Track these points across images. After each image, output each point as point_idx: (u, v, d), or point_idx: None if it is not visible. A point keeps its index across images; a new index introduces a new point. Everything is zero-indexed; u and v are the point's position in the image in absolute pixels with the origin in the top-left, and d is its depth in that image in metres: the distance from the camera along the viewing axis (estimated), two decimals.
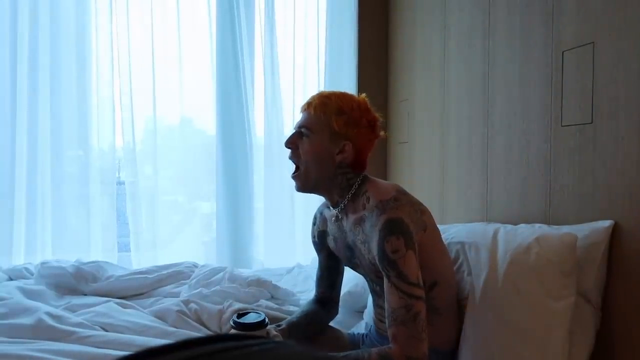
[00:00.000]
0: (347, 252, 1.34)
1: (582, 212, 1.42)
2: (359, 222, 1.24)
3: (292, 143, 1.27)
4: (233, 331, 1.21)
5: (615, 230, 1.31)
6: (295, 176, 1.30)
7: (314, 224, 1.50)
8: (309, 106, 1.27)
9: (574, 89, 1.45)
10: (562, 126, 1.50)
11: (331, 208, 1.35)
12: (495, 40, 1.81)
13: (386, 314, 1.16)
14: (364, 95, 1.32)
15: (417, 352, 1.11)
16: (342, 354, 1.14)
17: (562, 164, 1.49)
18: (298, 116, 1.33)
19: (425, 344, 1.13)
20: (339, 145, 1.24)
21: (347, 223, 1.30)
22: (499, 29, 1.79)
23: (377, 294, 1.37)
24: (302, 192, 1.33)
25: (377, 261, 1.17)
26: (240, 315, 1.22)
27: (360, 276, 1.65)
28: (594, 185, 1.38)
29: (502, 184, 1.77)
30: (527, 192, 1.64)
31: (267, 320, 1.21)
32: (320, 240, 1.47)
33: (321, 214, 1.47)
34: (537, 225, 1.49)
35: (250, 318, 1.21)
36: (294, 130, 1.30)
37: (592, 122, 1.39)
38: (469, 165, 1.96)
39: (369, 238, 1.20)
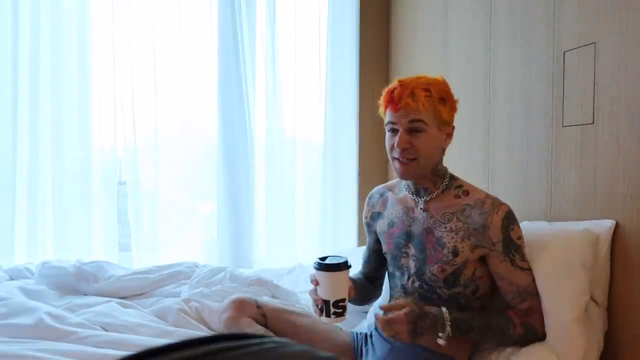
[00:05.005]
0: (401, 239, 1.33)
1: (583, 213, 1.42)
2: (456, 212, 1.26)
3: (408, 142, 1.22)
4: (315, 272, 1.20)
5: (616, 230, 1.31)
6: (409, 166, 1.24)
7: (368, 203, 1.47)
8: (413, 99, 1.19)
9: (575, 89, 1.45)
10: (563, 126, 1.50)
11: (411, 194, 1.34)
12: (497, 40, 1.80)
13: (516, 294, 1.25)
14: (440, 75, 1.28)
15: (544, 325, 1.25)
16: (479, 317, 1.22)
17: (564, 164, 1.49)
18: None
19: None
20: (445, 132, 1.26)
21: (430, 211, 1.29)
22: (500, 29, 1.79)
23: (405, 292, 1.33)
24: (409, 180, 1.30)
25: (497, 247, 1.23)
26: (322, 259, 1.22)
27: None
28: (595, 185, 1.38)
29: (504, 184, 1.76)
30: (529, 192, 1.63)
31: (349, 262, 1.22)
32: (372, 222, 1.45)
33: (381, 195, 1.44)
34: (538, 222, 1.49)
35: (333, 260, 1.20)
36: (390, 128, 1.25)
37: (593, 123, 1.38)
38: (471, 165, 1.95)
39: (473, 226, 1.23)
